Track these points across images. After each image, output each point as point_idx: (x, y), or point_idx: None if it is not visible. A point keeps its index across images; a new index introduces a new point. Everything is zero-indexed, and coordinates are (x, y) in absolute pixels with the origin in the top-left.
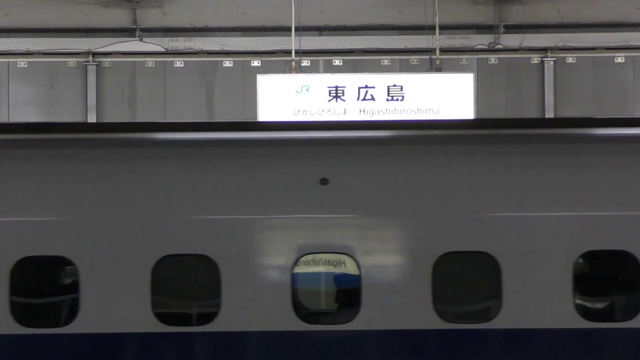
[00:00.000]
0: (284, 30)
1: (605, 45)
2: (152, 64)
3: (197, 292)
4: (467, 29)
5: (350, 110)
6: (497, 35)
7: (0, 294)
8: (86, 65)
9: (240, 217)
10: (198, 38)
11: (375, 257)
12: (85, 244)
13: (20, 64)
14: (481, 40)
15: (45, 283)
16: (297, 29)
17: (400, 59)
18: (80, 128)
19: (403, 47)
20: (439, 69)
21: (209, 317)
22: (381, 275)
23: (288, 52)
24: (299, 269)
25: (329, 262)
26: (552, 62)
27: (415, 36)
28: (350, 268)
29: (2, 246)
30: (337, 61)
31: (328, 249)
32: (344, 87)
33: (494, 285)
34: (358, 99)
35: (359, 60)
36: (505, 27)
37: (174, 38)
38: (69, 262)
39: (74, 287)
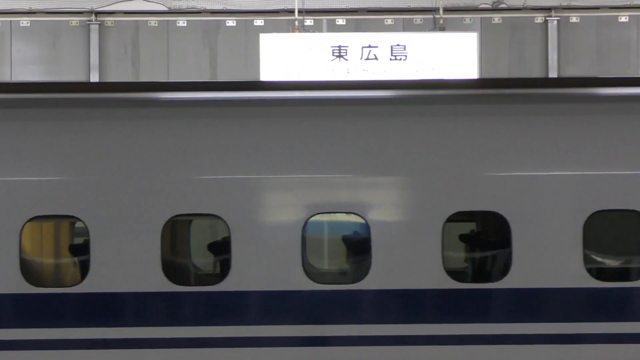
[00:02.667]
0: None
1: (609, 5)
2: (155, 23)
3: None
4: None
5: (353, 70)
6: None
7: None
8: (89, 24)
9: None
10: None
11: None
12: (95, 204)
13: (22, 23)
14: (485, 0)
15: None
16: None
17: (403, 18)
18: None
19: (406, 7)
20: (442, 29)
21: (219, 276)
22: None
23: (291, 12)
24: None
25: None
26: (555, 22)
27: None
28: None
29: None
30: (340, 20)
31: None
32: (347, 46)
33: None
34: (361, 58)
35: (362, 20)
36: None
37: None
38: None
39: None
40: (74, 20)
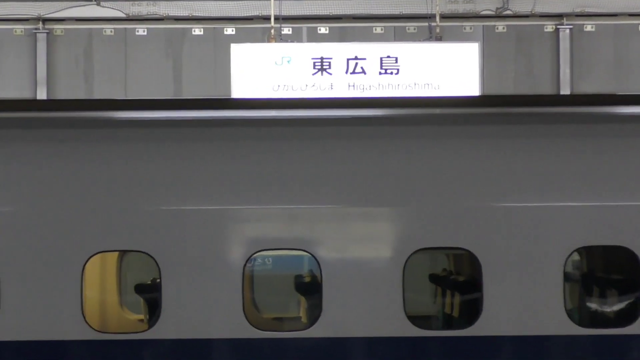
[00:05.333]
0: None
1: (628, 11)
2: (111, 31)
3: None
4: None
5: (338, 85)
6: (505, 0)
7: None
8: (35, 33)
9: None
10: (163, 2)
11: None
12: None
13: None
14: (487, 5)
15: None
16: None
17: (394, 26)
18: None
19: (398, 13)
20: (439, 38)
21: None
22: None
23: (267, 18)
24: None
25: None
26: (568, 30)
27: (412, 0)
28: None
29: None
30: (322, 29)
31: None
32: (331, 58)
33: None
34: (346, 72)
35: (348, 28)
36: None
37: (136, 2)
38: None
39: None
40: (19, 28)
